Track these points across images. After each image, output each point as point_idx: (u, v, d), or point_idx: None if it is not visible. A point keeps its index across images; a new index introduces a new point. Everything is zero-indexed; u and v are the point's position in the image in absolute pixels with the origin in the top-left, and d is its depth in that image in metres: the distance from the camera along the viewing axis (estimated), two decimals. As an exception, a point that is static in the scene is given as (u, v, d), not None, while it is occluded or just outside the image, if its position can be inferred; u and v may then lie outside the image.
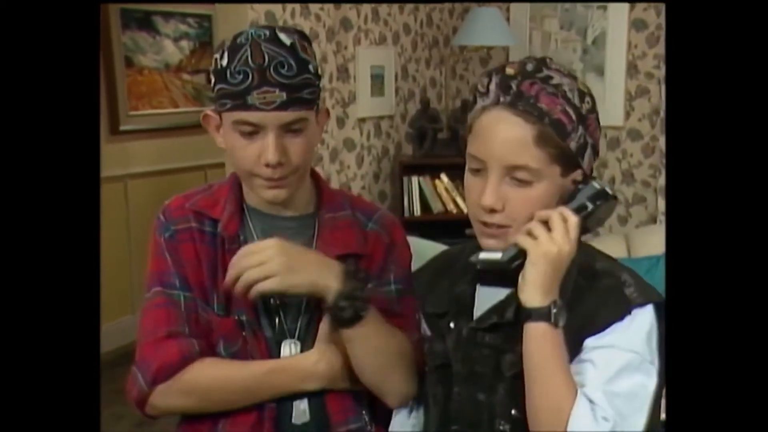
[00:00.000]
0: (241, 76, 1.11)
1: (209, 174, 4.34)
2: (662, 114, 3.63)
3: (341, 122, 3.44)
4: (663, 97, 3.61)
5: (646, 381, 0.99)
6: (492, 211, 1.04)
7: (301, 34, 1.17)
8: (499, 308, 1.09)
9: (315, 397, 1.22)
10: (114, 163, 3.90)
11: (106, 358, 2.81)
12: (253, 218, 1.24)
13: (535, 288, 1.00)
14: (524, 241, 1.01)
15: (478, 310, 1.12)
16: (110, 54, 3.95)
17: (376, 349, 1.18)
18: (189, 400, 1.18)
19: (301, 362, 1.20)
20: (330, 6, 3.28)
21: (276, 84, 1.11)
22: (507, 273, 1.05)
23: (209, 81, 1.18)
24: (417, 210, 3.66)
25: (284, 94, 1.11)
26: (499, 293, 1.10)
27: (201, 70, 4.44)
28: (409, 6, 3.82)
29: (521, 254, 1.03)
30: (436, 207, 3.68)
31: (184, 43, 4.40)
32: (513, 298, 1.05)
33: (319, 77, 1.18)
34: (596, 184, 1.06)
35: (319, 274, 1.13)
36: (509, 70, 1.04)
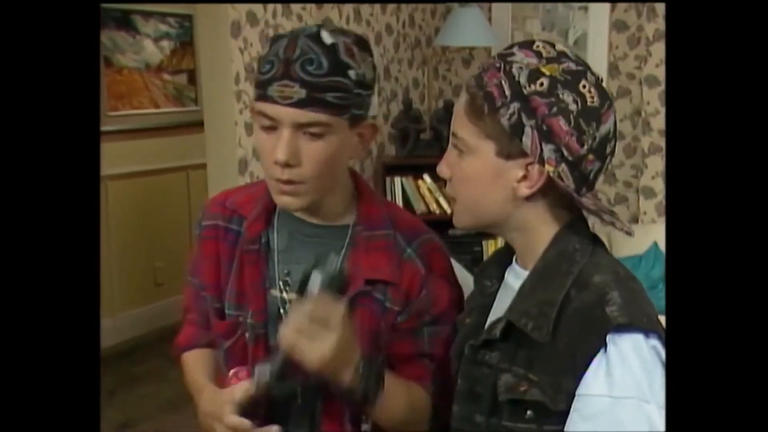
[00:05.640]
0: (268, 66, 1.07)
1: (191, 175, 4.30)
2: (643, 115, 3.66)
3: (323, 123, 3.42)
4: (644, 97, 3.64)
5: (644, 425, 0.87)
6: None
7: (358, 39, 1.11)
8: (493, 324, 1.02)
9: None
10: (93, 164, 3.85)
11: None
12: (281, 220, 1.20)
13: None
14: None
15: (492, 316, 1.06)
16: (89, 54, 3.91)
17: (392, 412, 1.14)
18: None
19: (223, 394, 1.14)
20: (312, 6, 3.27)
21: (297, 80, 1.04)
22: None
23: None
24: (400, 211, 3.65)
25: (304, 92, 1.04)
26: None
27: (182, 70, 4.40)
28: (391, 6, 3.81)
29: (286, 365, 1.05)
30: (419, 207, 3.68)
31: (165, 43, 4.35)
32: (505, 314, 0.99)
33: (363, 86, 1.10)
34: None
35: (340, 365, 1.05)
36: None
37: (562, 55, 0.98)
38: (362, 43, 1.11)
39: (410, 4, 3.93)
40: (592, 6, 3.76)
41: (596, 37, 3.76)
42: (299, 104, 1.05)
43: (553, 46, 0.99)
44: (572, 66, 0.97)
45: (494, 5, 3.96)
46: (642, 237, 3.39)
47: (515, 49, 0.99)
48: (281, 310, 1.17)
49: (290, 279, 1.17)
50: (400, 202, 3.66)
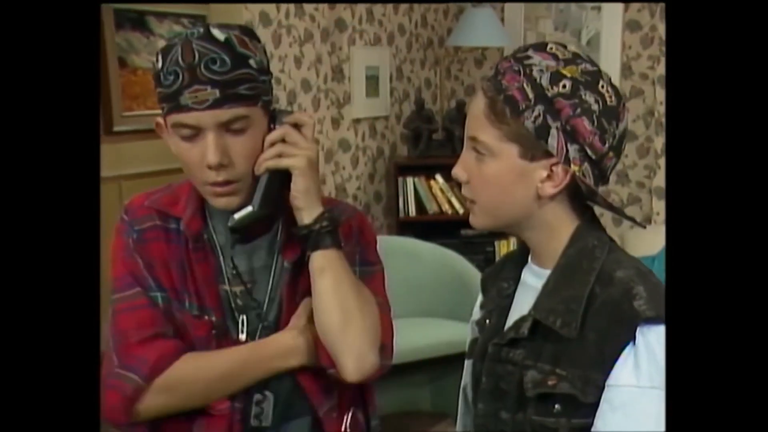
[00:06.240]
0: (172, 77, 1.06)
1: (204, 175, 4.33)
2: (657, 115, 3.64)
3: (336, 123, 3.44)
4: (657, 97, 3.63)
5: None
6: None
7: (243, 29, 1.12)
8: (518, 323, 1.04)
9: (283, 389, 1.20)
10: (108, 164, 3.82)
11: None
12: (215, 217, 1.20)
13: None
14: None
15: (513, 315, 1.08)
16: (104, 54, 3.94)
17: (344, 287, 1.14)
18: (174, 397, 1.14)
19: (280, 339, 1.18)
20: (324, 6, 3.28)
21: (208, 81, 1.05)
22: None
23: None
24: (412, 210, 3.66)
25: (217, 91, 1.06)
26: (531, 299, 1.05)
27: (195, 71, 4.43)
28: (404, 7, 3.82)
29: (271, 182, 1.12)
30: (431, 207, 3.68)
31: (179, 44, 4.38)
32: (531, 312, 1.02)
33: (264, 72, 1.12)
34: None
35: (315, 192, 1.16)
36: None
37: (576, 57, 1.00)
38: (250, 33, 1.13)
39: (423, 4, 3.94)
40: (605, 6, 3.75)
41: (609, 37, 3.75)
42: (216, 104, 1.06)
43: (564, 47, 1.02)
44: (589, 67, 1.00)
45: (507, 5, 3.96)
46: (655, 238, 3.38)
47: (530, 52, 1.01)
48: (232, 304, 1.19)
49: (237, 271, 1.19)
50: (412, 202, 3.67)
